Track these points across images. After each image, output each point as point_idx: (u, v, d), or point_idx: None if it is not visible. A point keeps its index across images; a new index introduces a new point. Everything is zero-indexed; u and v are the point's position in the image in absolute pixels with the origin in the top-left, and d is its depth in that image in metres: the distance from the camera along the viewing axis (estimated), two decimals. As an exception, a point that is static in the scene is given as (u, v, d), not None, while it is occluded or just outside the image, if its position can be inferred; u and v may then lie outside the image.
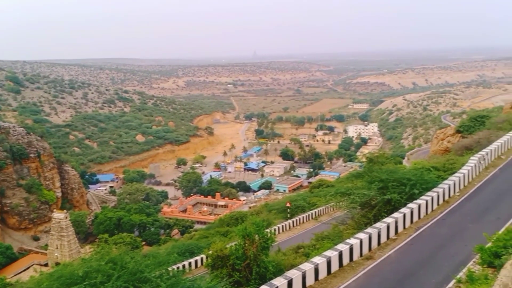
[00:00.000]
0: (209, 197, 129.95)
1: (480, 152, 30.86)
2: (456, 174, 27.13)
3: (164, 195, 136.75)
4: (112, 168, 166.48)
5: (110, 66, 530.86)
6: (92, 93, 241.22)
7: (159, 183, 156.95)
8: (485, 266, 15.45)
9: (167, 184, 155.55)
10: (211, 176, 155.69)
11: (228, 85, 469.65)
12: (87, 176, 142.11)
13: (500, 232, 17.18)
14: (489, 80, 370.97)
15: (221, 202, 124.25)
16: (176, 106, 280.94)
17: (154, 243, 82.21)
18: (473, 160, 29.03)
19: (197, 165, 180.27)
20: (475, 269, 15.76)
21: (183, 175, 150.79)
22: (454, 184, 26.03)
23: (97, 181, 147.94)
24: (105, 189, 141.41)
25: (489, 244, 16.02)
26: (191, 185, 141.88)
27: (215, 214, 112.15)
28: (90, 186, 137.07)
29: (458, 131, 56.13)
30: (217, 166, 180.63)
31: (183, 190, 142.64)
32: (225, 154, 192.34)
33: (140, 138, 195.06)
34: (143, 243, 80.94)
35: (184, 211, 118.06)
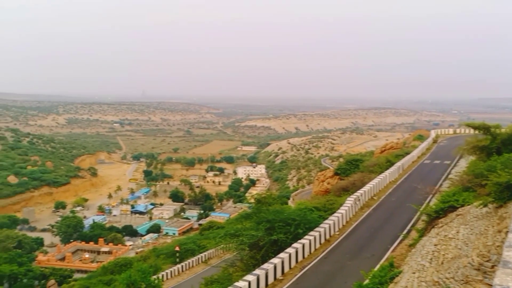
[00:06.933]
0: (91, 243, 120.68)
1: (356, 193, 33.72)
2: (335, 214, 29.19)
3: (40, 242, 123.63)
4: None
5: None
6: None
7: (33, 229, 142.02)
8: (363, 301, 16.54)
9: (43, 230, 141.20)
10: (93, 220, 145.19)
11: (115, 124, 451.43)
12: None
13: (376, 269, 18.71)
14: (361, 127, 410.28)
15: (105, 248, 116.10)
16: (55, 144, 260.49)
17: (27, 296, 73.64)
18: (349, 201, 31.57)
19: (78, 208, 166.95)
20: (355, 304, 16.88)
21: (61, 220, 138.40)
22: (334, 224, 27.94)
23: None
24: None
25: (366, 281, 17.19)
26: (71, 230, 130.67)
27: (98, 262, 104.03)
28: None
29: (336, 173, 59.53)
30: (101, 210, 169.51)
31: (62, 236, 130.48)
32: (110, 196, 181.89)
33: (12, 179, 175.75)
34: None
35: (63, 259, 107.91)
